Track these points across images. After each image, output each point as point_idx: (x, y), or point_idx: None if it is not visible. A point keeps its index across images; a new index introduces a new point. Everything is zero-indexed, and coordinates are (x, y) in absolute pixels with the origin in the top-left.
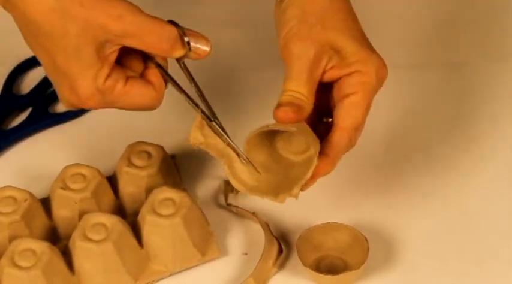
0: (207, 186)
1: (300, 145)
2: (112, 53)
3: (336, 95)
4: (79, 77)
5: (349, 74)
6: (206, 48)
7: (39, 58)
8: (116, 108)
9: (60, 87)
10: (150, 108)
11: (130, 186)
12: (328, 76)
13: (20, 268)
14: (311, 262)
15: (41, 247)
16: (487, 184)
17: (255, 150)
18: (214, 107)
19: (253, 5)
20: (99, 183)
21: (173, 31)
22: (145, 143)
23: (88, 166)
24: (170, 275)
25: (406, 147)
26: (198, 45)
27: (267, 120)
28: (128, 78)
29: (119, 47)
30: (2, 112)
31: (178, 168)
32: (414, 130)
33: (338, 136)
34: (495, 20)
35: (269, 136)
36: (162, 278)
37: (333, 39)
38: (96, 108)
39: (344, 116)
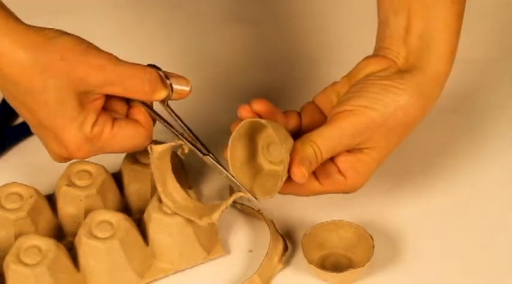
0: (212, 184)
1: (278, 155)
2: (97, 100)
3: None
4: (65, 130)
5: (342, 174)
6: (186, 88)
7: (23, 116)
8: (107, 153)
9: (47, 143)
10: (141, 146)
11: (135, 183)
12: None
13: (25, 264)
14: (316, 260)
15: (47, 244)
16: (491, 183)
17: (238, 144)
18: (216, 107)
19: (253, 4)
20: (105, 180)
21: (154, 74)
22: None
23: (94, 163)
24: (175, 272)
25: (411, 145)
26: (179, 86)
27: None
28: (114, 120)
29: (102, 95)
30: (8, 109)
31: (184, 165)
32: (419, 129)
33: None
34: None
35: (255, 134)
36: (167, 276)
37: (372, 143)
38: (87, 157)
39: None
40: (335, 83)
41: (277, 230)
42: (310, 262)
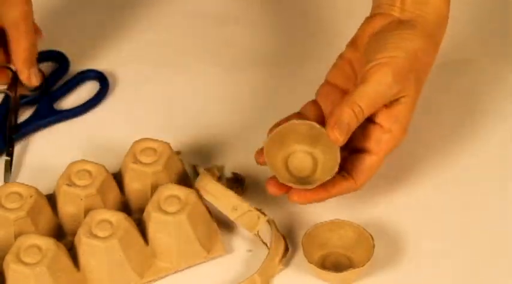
0: None
1: (308, 165)
2: None
3: (360, 137)
4: None
5: (387, 131)
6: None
7: None
8: None
9: None
10: None
11: (136, 182)
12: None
13: (25, 264)
14: (316, 259)
15: (47, 243)
16: (493, 183)
17: (273, 147)
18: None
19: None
20: (105, 180)
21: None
22: (151, 140)
23: (94, 162)
24: (175, 272)
25: (412, 144)
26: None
27: (272, 118)
28: None
29: None
30: (8, 109)
31: (183, 164)
32: (420, 128)
33: (345, 186)
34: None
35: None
36: (168, 275)
37: (406, 90)
38: None
39: (362, 174)
40: (341, 55)
41: (278, 230)
42: (310, 262)
